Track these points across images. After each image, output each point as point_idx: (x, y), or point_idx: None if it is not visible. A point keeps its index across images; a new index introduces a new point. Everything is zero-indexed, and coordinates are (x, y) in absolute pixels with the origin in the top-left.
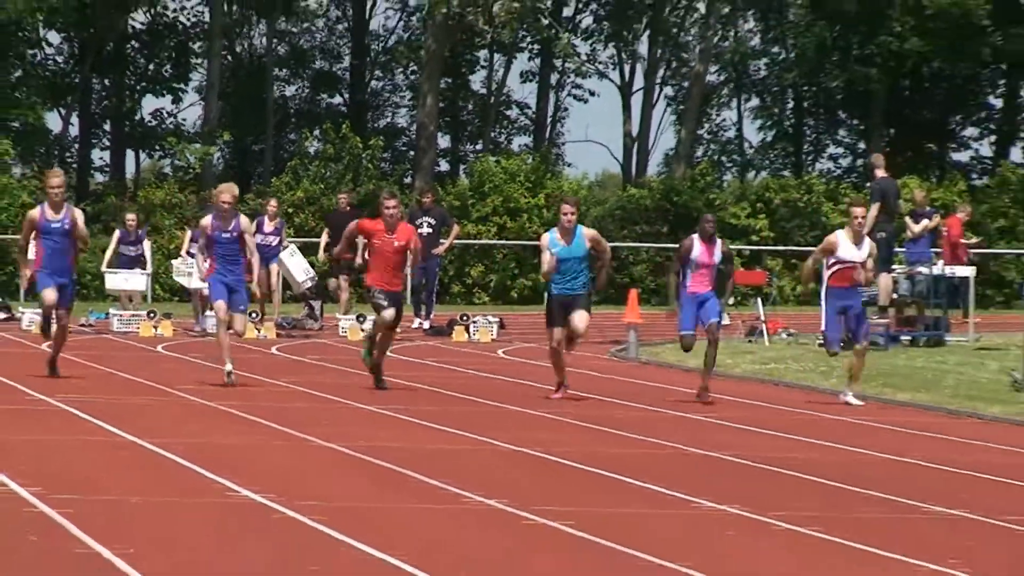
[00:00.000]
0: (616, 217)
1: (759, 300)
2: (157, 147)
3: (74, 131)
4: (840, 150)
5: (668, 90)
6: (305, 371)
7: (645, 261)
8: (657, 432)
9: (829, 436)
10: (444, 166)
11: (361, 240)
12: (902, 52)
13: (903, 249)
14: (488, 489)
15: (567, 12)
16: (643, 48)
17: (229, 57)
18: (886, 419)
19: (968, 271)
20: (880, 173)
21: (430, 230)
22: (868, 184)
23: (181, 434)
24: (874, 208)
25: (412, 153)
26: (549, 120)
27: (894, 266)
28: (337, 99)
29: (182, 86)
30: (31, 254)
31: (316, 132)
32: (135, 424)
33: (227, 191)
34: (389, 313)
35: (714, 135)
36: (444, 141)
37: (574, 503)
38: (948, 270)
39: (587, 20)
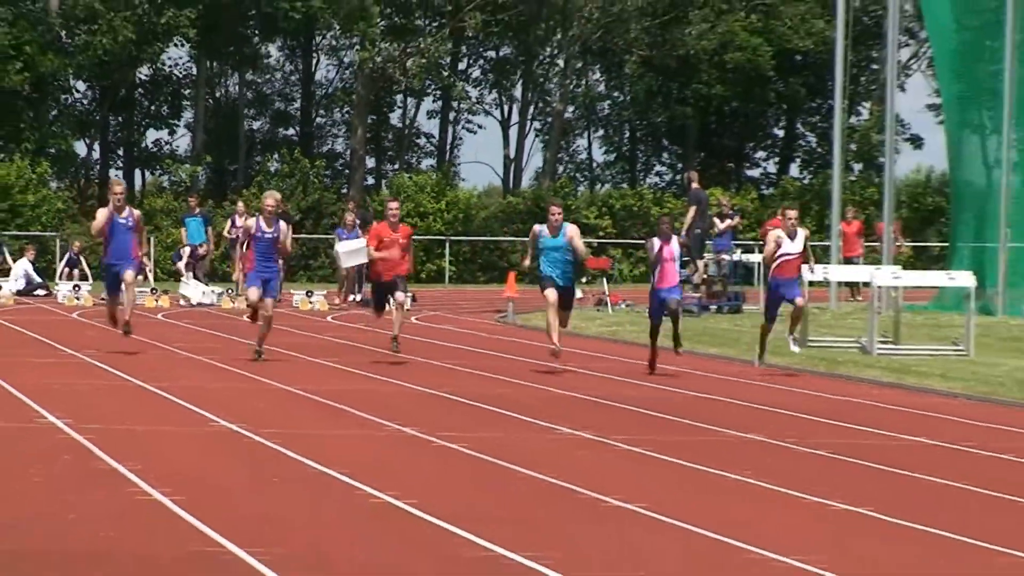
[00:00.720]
0: (499, 218)
1: (604, 279)
2: (157, 167)
3: (95, 155)
4: (664, 168)
5: (536, 124)
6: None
7: (520, 251)
8: (530, 378)
9: (655, 380)
10: (370, 181)
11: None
12: (709, 96)
13: (711, 242)
14: (405, 420)
15: (461, 66)
16: (517, 92)
17: (210, 100)
18: (698, 367)
19: (757, 258)
20: (695, 185)
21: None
22: (687, 194)
23: (176, 379)
24: (692, 211)
25: (347, 171)
26: (448, 146)
27: (705, 254)
28: (291, 131)
29: (176, 122)
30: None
31: (275, 156)
32: (142, 372)
33: (270, 196)
34: (400, 296)
35: (570, 157)
36: (371, 162)
37: (468, 430)
38: (746, 257)
39: (476, 72)
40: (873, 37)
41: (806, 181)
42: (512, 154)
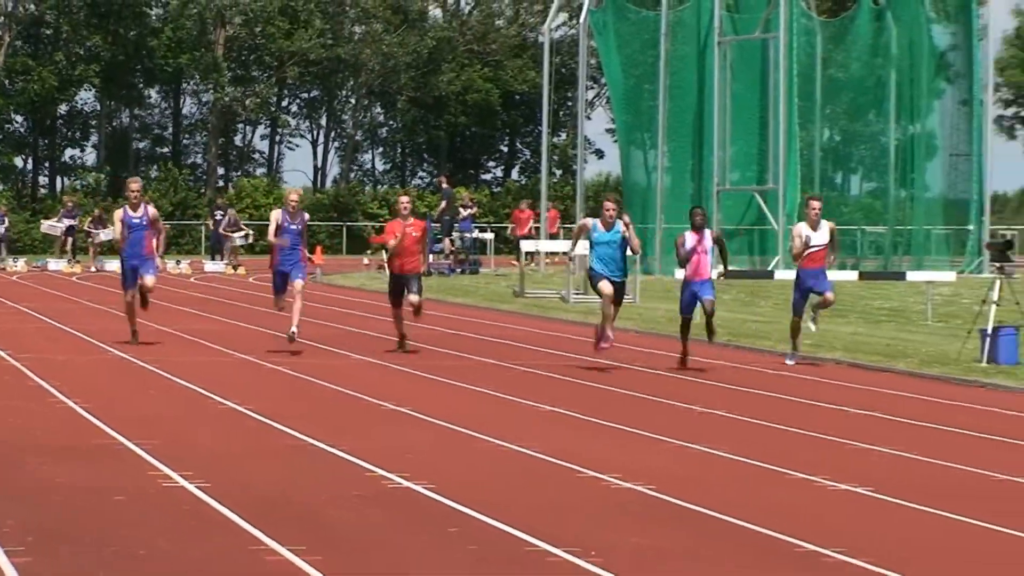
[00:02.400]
0: (310, 210)
1: (384, 250)
2: (73, 175)
3: (29, 167)
4: (424, 174)
5: (336, 143)
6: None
7: (322, 234)
8: (336, 318)
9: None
10: (221, 184)
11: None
12: (456, 123)
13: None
14: (244, 349)
15: (285, 103)
16: (323, 121)
17: (109, 127)
18: (454, 312)
19: (489, 236)
20: (445, 185)
21: (223, 218)
22: (440, 191)
23: (90, 323)
24: (443, 203)
25: (204, 177)
26: (275, 159)
27: (454, 234)
28: (166, 149)
29: (85, 143)
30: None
31: (155, 167)
32: (62, 319)
33: (294, 192)
34: (414, 298)
35: (359, 166)
36: (221, 171)
37: (287, 358)
38: (481, 235)
39: (294, 107)
40: (569, 82)
41: (523, 183)
42: (319, 164)
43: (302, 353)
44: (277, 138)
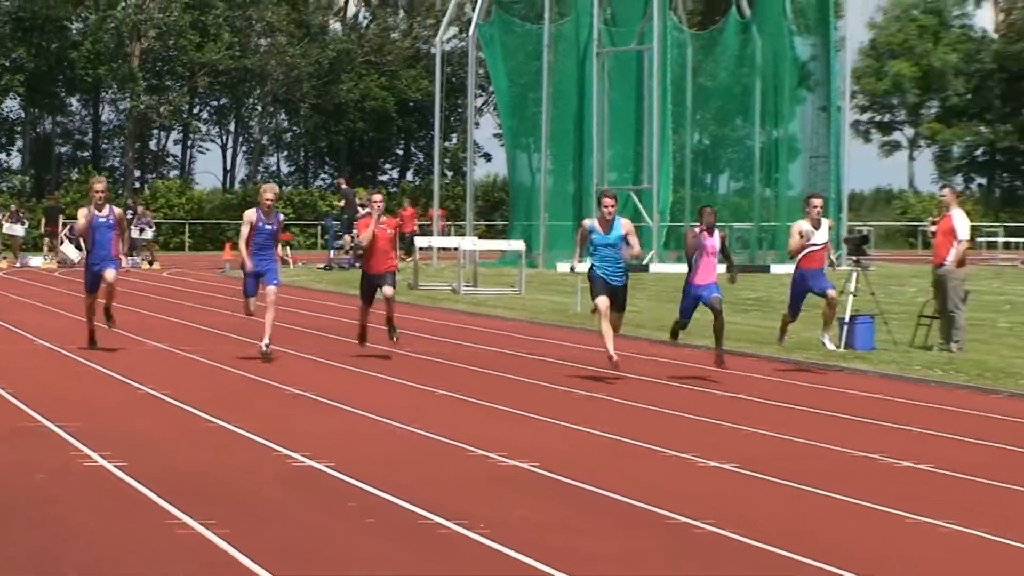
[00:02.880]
0: (220, 208)
1: (288, 246)
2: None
3: None
4: (326, 176)
5: (243, 147)
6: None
7: (233, 231)
8: (230, 306)
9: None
10: (137, 185)
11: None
12: (355, 129)
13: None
14: (157, 338)
15: (196, 110)
16: (232, 127)
17: (33, 133)
18: (350, 303)
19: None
20: (344, 186)
21: (133, 216)
22: (340, 191)
23: (10, 316)
24: (343, 202)
25: (123, 179)
26: (187, 162)
27: (353, 231)
28: (86, 153)
29: (11, 147)
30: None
31: (75, 170)
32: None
33: (269, 190)
34: (388, 290)
35: (265, 168)
36: (137, 173)
37: (199, 344)
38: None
39: (204, 114)
40: (459, 91)
41: (417, 184)
42: (228, 167)
43: (222, 344)
44: (189, 143)
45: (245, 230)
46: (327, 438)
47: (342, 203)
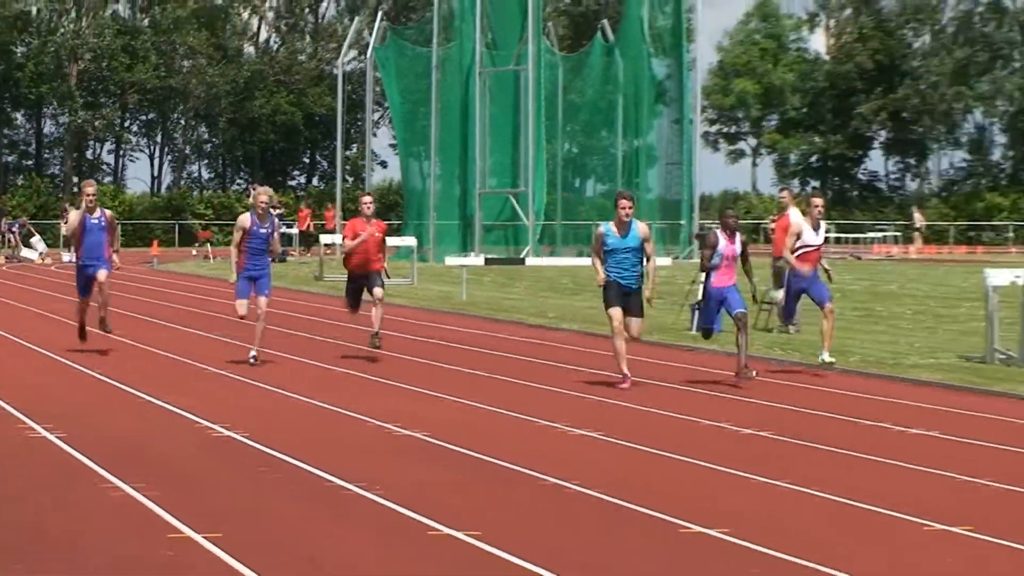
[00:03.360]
0: (148, 210)
1: (209, 244)
2: None
3: None
4: (241, 181)
5: (169, 156)
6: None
7: (158, 229)
8: (170, 297)
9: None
10: (76, 190)
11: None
12: (268, 140)
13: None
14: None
15: (128, 124)
16: (159, 138)
17: None
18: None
19: (294, 231)
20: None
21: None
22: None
23: None
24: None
25: (63, 185)
26: (120, 170)
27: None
28: (30, 162)
29: None
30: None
31: (21, 177)
32: None
33: (264, 193)
34: (378, 291)
35: (188, 175)
36: (75, 179)
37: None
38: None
39: (135, 127)
40: (358, 106)
41: (322, 188)
42: (155, 173)
43: (152, 330)
44: (121, 152)
45: (237, 236)
46: (241, 411)
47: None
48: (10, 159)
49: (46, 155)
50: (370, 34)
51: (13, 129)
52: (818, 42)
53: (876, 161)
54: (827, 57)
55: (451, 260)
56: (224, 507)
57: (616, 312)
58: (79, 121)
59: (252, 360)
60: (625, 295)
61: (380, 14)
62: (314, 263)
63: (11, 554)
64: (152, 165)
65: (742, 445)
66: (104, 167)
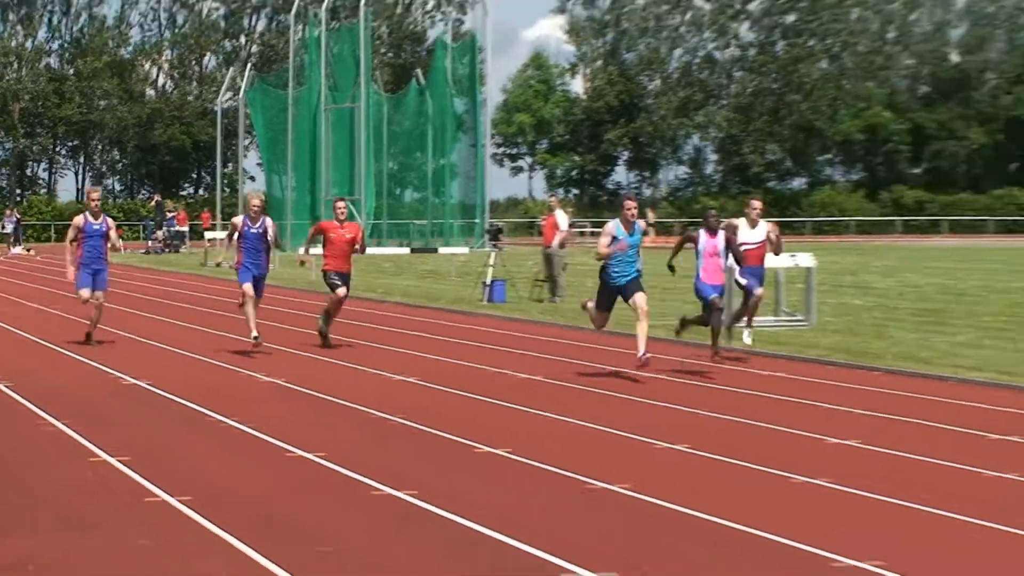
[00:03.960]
0: (74, 213)
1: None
2: None
3: None
4: (146, 191)
5: (91, 173)
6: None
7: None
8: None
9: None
10: (19, 199)
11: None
12: (166, 162)
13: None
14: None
15: (58, 149)
16: (81, 159)
17: None
18: (161, 276)
19: (185, 228)
20: (158, 198)
21: (16, 220)
22: (155, 203)
23: None
24: (157, 209)
25: (8, 195)
26: (52, 184)
27: (164, 228)
28: None
29: None
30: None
31: None
32: None
33: (256, 197)
34: (341, 291)
35: (104, 186)
36: (19, 191)
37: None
38: (180, 228)
39: (64, 150)
40: (233, 134)
41: (206, 197)
42: (79, 186)
43: (78, 306)
44: (53, 170)
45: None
46: (144, 363)
47: (156, 208)
48: None
49: None
50: (242, 80)
51: None
52: (578, 85)
53: (620, 174)
54: (584, 96)
55: (301, 250)
56: (130, 436)
57: (603, 316)
58: (21, 147)
59: (257, 339)
60: (623, 286)
61: (249, 65)
62: (200, 252)
63: None
64: (77, 180)
65: (516, 387)
66: (40, 182)
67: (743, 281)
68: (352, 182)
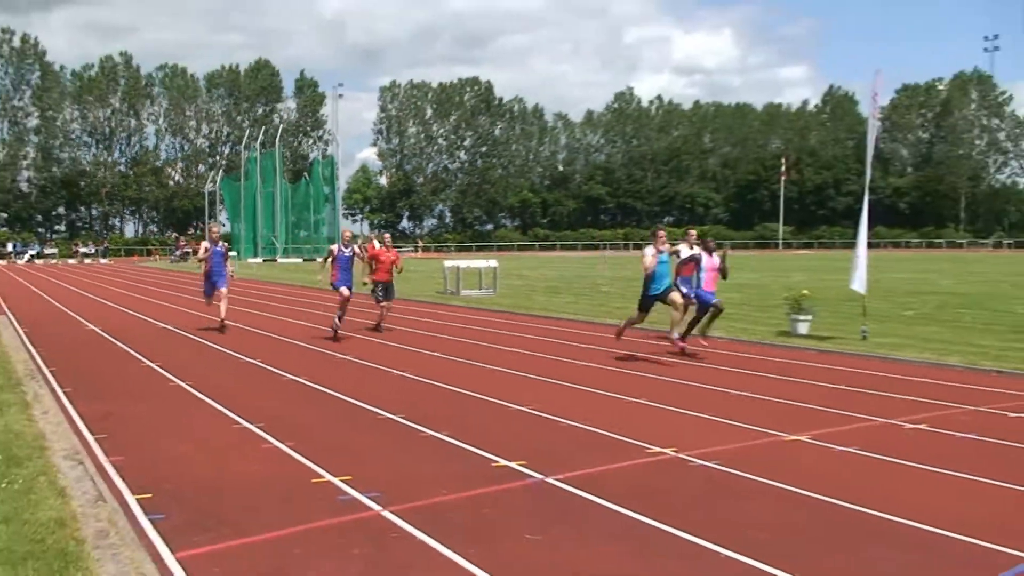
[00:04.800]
0: None
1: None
2: None
3: None
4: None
5: None
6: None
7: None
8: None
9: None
10: None
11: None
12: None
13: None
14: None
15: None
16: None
17: None
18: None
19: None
20: (176, 235)
21: None
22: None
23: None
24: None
25: None
26: None
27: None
28: None
29: None
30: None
31: None
32: None
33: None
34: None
35: None
36: None
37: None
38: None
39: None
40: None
41: (200, 234)
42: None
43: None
44: (121, 222)
45: (200, 250)
46: (91, 317)
47: (175, 240)
48: None
49: None
50: (218, 177)
51: None
52: (383, 180)
53: (405, 223)
54: (386, 185)
55: (252, 260)
56: (75, 362)
57: (640, 314)
58: (105, 210)
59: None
60: (660, 294)
61: (221, 169)
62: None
63: None
64: (134, 227)
65: (426, 362)
66: (115, 228)
67: (684, 290)
68: (274, 228)
